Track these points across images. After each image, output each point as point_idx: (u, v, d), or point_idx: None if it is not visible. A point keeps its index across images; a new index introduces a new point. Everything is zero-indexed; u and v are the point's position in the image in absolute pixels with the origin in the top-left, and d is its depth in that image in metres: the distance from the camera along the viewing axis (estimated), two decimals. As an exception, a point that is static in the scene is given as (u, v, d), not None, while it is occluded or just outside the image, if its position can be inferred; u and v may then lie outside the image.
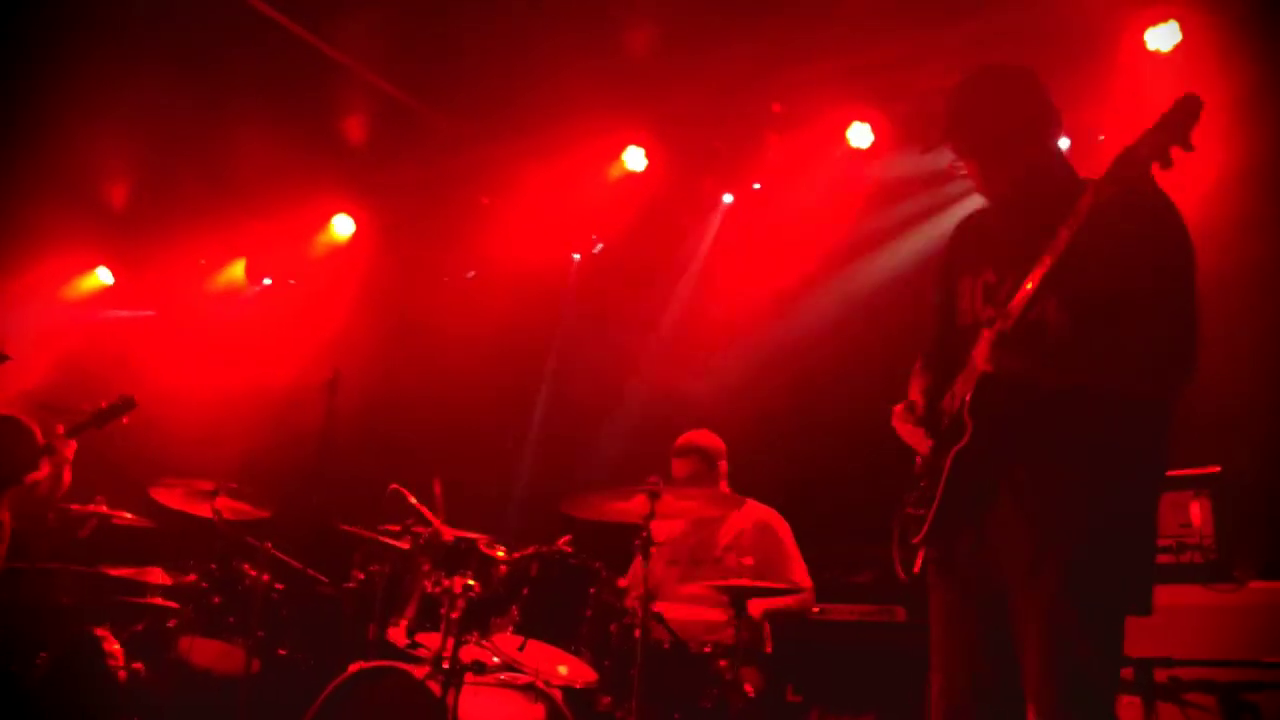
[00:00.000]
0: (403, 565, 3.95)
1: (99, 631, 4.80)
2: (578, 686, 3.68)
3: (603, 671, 3.56)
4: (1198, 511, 3.70)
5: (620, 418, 5.66)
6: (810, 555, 4.47)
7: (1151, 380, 2.32)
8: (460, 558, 3.69)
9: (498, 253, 6.54)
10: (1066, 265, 2.21)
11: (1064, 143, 4.73)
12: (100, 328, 7.28)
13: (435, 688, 3.39)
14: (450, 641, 3.47)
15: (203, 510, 4.68)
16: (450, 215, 6.56)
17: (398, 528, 4.03)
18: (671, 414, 4.89)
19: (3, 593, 4.97)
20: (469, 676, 3.50)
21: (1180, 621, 3.49)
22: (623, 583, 3.74)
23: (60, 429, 4.67)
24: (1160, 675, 3.43)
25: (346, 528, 4.34)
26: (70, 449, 4.70)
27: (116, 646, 4.76)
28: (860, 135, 5.53)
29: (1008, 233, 2.51)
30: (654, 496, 3.57)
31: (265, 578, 4.60)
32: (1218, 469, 3.76)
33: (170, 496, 4.74)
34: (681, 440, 4.58)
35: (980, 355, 2.32)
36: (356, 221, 6.87)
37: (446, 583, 3.62)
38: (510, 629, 3.55)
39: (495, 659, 3.69)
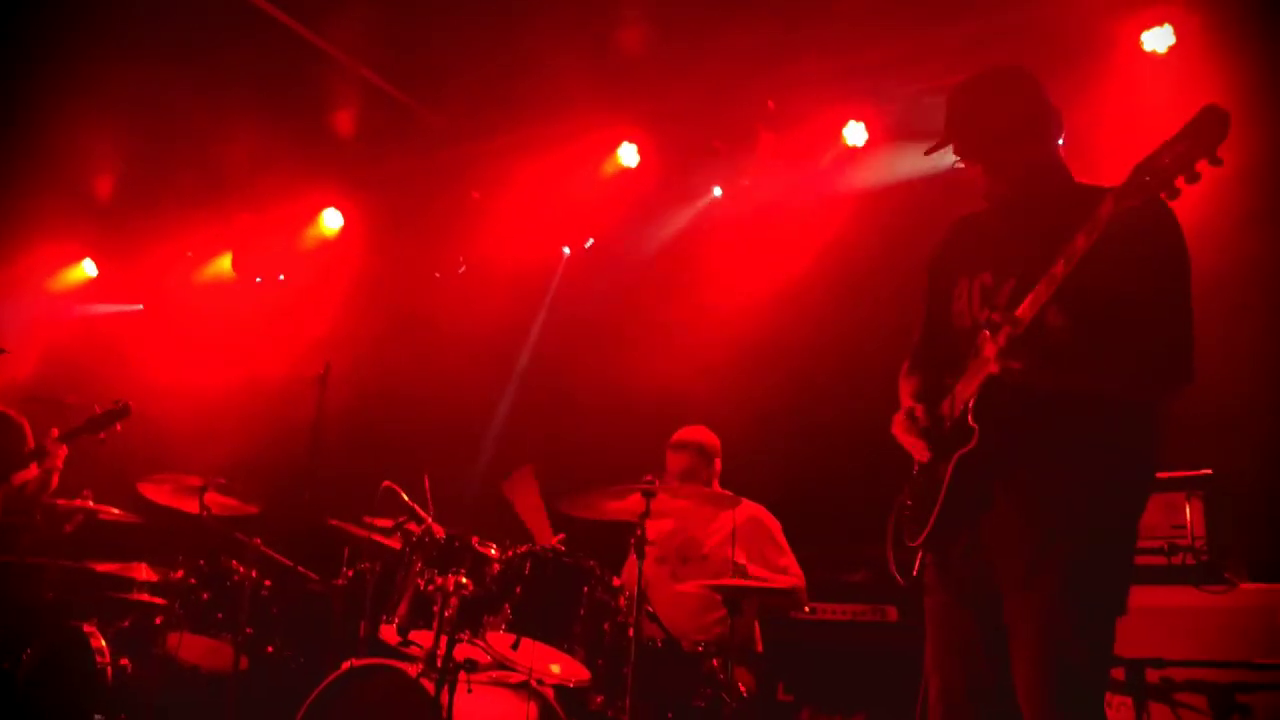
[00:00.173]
0: (394, 562, 3.93)
1: (85, 627, 4.77)
2: (571, 685, 3.67)
3: (596, 670, 3.55)
4: (1190, 513, 3.72)
5: (614, 415, 5.63)
6: (803, 554, 4.46)
7: (1150, 384, 2.34)
8: (453, 555, 3.68)
9: (489, 248, 6.52)
10: (1078, 271, 2.21)
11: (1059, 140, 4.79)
12: (88, 320, 7.22)
13: (429, 686, 3.38)
14: (444, 639, 3.45)
15: (191, 506, 4.66)
16: (441, 210, 6.53)
17: (389, 524, 4.01)
18: (666, 411, 4.87)
19: (-11, 588, 4.94)
20: (462, 675, 3.48)
21: (1172, 622, 3.52)
22: (617, 581, 3.73)
23: (55, 432, 4.64)
24: (1152, 676, 3.45)
25: (337, 523, 4.32)
26: (61, 454, 4.68)
27: (103, 642, 4.73)
28: (856, 134, 5.53)
29: (1007, 235, 2.51)
30: (649, 495, 3.56)
31: (254, 574, 4.58)
32: (1210, 471, 3.78)
33: (158, 492, 4.72)
34: (679, 435, 4.58)
35: (989, 355, 2.30)
36: (346, 216, 6.83)
37: (439, 580, 3.60)
38: (503, 627, 3.54)
39: (488, 657, 3.68)
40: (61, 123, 6.26)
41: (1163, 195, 2.10)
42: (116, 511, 5.02)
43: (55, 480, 4.84)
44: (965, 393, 2.41)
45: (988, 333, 2.32)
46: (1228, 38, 4.70)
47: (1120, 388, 2.33)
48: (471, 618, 3.55)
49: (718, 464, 4.59)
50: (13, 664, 4.69)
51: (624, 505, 3.67)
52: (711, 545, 4.40)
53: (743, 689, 3.69)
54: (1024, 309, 2.26)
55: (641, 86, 5.73)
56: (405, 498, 3.95)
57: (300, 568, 4.79)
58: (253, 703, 4.39)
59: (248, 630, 4.43)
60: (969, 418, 2.39)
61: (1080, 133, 4.71)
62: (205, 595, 4.67)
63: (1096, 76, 4.82)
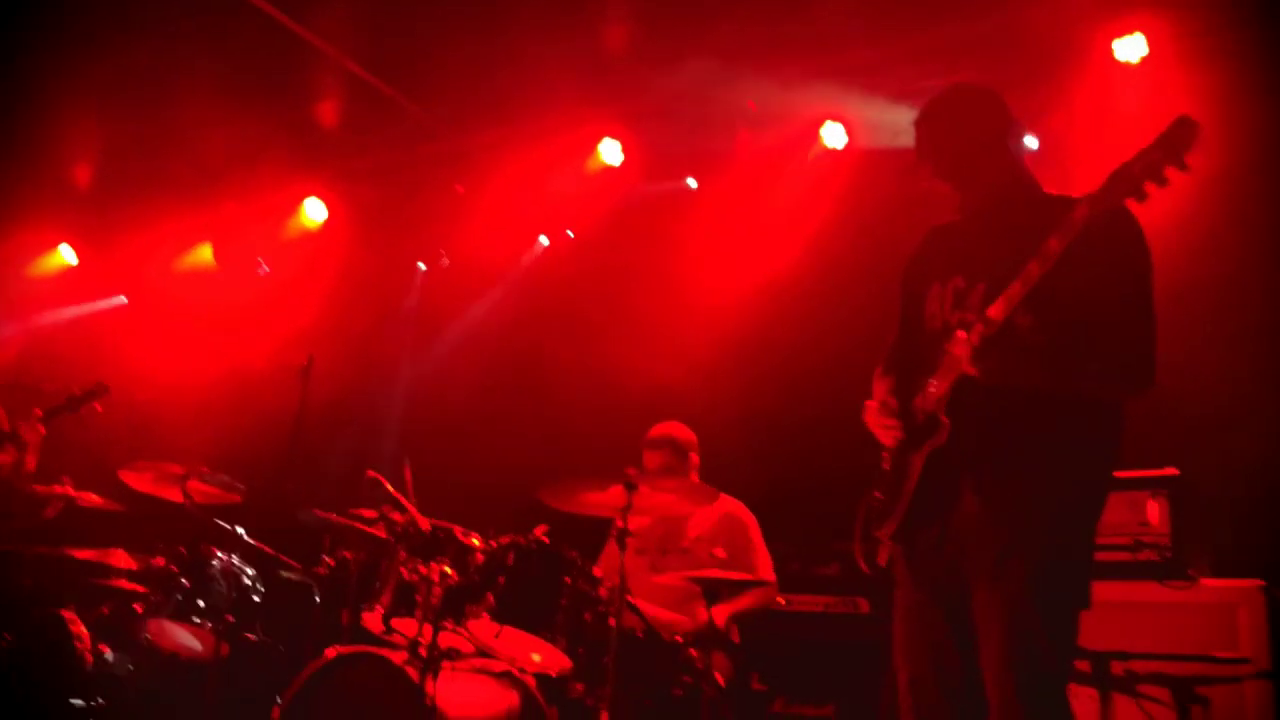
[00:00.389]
0: (378, 552, 3.96)
1: (65, 614, 4.78)
2: (552, 674, 3.73)
3: (577, 659, 3.61)
4: (1155, 511, 3.82)
5: (596, 408, 5.69)
6: (777, 547, 4.55)
7: (1114, 386, 2.43)
8: (437, 546, 3.72)
9: (472, 241, 6.54)
10: (1051, 274, 2.30)
11: (1033, 143, 4.89)
12: (69, 306, 7.17)
13: (413, 673, 3.43)
14: (428, 628, 3.50)
15: (173, 494, 4.66)
16: (424, 203, 6.55)
17: (373, 514, 4.05)
18: (647, 405, 4.93)
19: (-35, 576, 4.93)
20: (445, 663, 3.53)
21: (1136, 617, 3.62)
22: (597, 572, 3.79)
23: (39, 411, 4.63)
24: (1117, 668, 3.54)
25: (320, 513, 4.35)
26: (38, 434, 4.66)
27: (83, 629, 4.75)
28: (834, 135, 5.61)
29: (979, 242, 2.60)
30: (631, 488, 3.62)
31: (235, 562, 4.60)
32: (1176, 471, 3.89)
33: (140, 480, 4.72)
34: (654, 432, 4.64)
35: (961, 356, 2.40)
36: (329, 207, 6.83)
37: (423, 570, 3.65)
38: (486, 616, 3.60)
39: (470, 646, 3.73)
40: (41, 109, 6.23)
41: (1132, 201, 2.21)
42: (97, 499, 5.02)
43: (32, 462, 4.82)
44: (938, 389, 2.50)
45: (962, 332, 2.41)
46: (1198, 47, 4.81)
47: (1086, 389, 2.42)
48: (454, 607, 3.60)
49: (694, 458, 4.65)
50: (-9, 649, 4.69)
51: (605, 498, 3.73)
52: (691, 538, 4.48)
53: (720, 678, 3.76)
54: (996, 309, 2.36)
55: (624, 84, 5.77)
56: (389, 488, 3.98)
57: (282, 556, 4.81)
58: (233, 689, 4.42)
59: (228, 618, 4.45)
60: (941, 413, 2.47)
61: (1053, 140, 4.84)
62: (186, 583, 4.70)
63: (1070, 85, 4.91)
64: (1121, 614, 3.47)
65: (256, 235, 7.02)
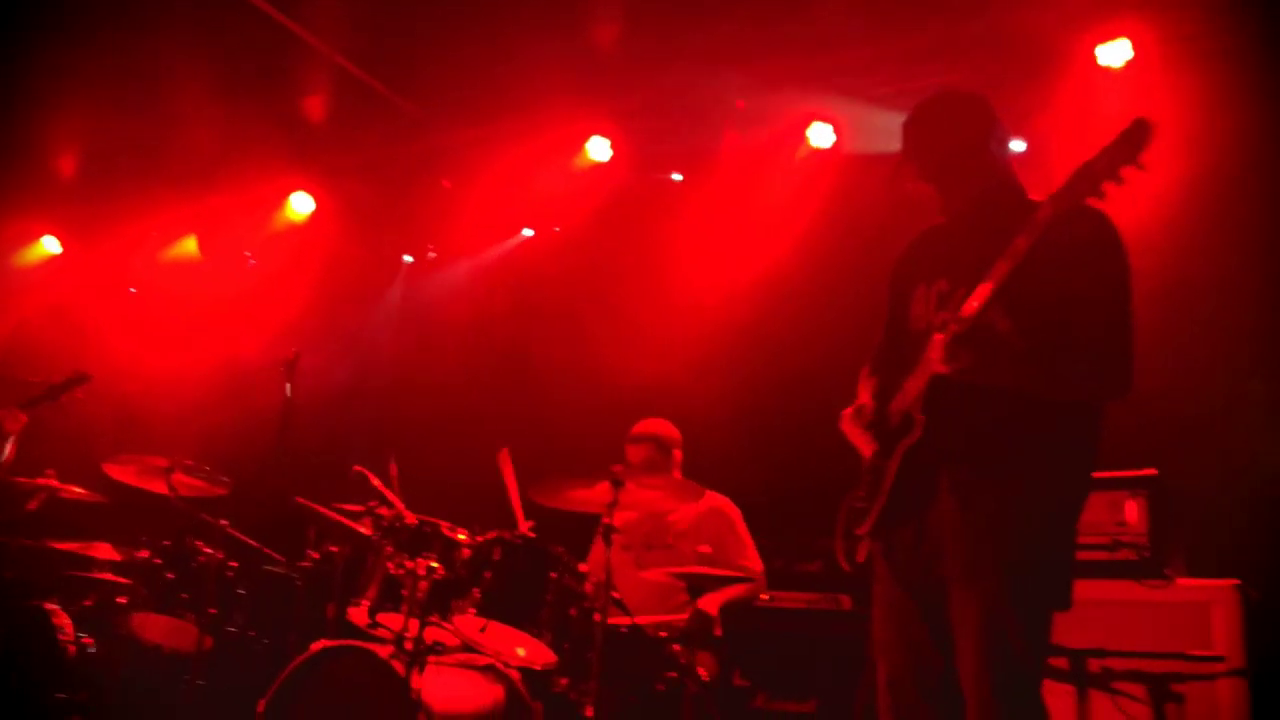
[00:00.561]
0: (363, 546, 3.98)
1: (48, 606, 4.78)
2: (536, 668, 3.75)
3: (562, 654, 3.64)
4: (1133, 511, 3.87)
5: (583, 404, 5.71)
6: (762, 543, 4.58)
7: (1089, 389, 2.46)
8: (424, 540, 3.74)
9: (460, 236, 6.55)
10: (1020, 273, 2.34)
11: (1019, 145, 4.93)
12: (54, 298, 7.14)
13: (398, 667, 3.45)
14: (414, 622, 3.52)
15: (158, 486, 4.67)
16: (412, 197, 6.55)
17: (359, 508, 4.06)
18: (633, 401, 4.96)
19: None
20: (430, 657, 3.56)
21: (1113, 615, 3.67)
22: (583, 568, 3.82)
23: (19, 402, 4.62)
24: (1093, 665, 3.59)
25: (304, 502, 4.35)
26: (19, 423, 4.65)
27: (66, 621, 4.75)
28: (821, 135, 5.64)
29: (963, 246, 2.63)
30: (617, 485, 3.65)
31: (219, 555, 4.61)
32: (1154, 472, 3.93)
33: (124, 472, 4.72)
34: (638, 428, 4.67)
35: (935, 356, 2.44)
36: (316, 200, 6.82)
37: (410, 564, 3.66)
38: (472, 611, 3.62)
39: (456, 640, 3.75)
40: (26, 100, 6.19)
41: (1092, 200, 2.26)
42: (80, 491, 5.02)
43: (12, 450, 4.81)
44: (914, 388, 2.54)
45: (938, 333, 2.45)
46: (1182, 51, 4.86)
47: (1061, 390, 2.45)
48: (440, 601, 3.63)
49: (677, 455, 4.69)
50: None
51: (592, 494, 3.75)
52: (676, 534, 4.51)
53: (703, 674, 3.80)
54: (968, 307, 2.39)
55: (613, 82, 5.79)
56: (376, 482, 4.00)
57: (266, 549, 4.82)
58: (217, 682, 4.43)
59: (212, 610, 4.46)
60: (916, 411, 2.51)
61: (1038, 143, 4.88)
62: (170, 575, 4.71)
63: (1055, 89, 4.94)
64: (1099, 612, 3.51)
65: (243, 228, 6.99)
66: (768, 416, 5.49)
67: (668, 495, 4.01)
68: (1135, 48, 4.89)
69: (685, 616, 4.00)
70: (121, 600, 4.69)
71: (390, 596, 3.73)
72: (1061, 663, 3.58)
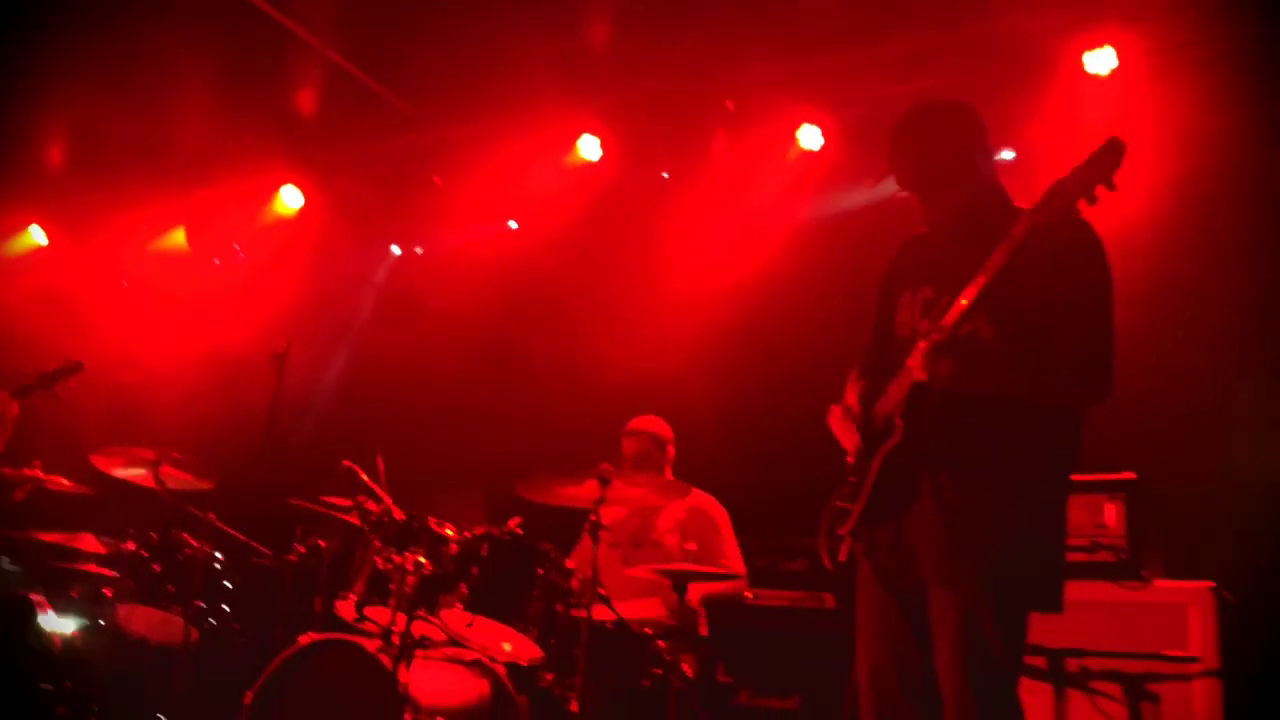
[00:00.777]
0: (351, 540, 4.00)
1: (33, 596, 4.77)
2: (522, 663, 3.78)
3: (548, 649, 3.67)
4: (1112, 514, 3.93)
5: (573, 401, 5.74)
6: (746, 542, 4.63)
7: (1070, 393, 2.51)
8: (412, 535, 3.76)
9: (450, 232, 6.57)
10: (999, 284, 2.39)
11: (1008, 154, 4.99)
12: (43, 290, 7.11)
13: (385, 661, 3.47)
14: (401, 617, 3.55)
15: (145, 479, 4.67)
16: (401, 193, 6.56)
17: (347, 502, 4.08)
18: (623, 398, 5.00)
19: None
20: (417, 651, 3.58)
21: (1091, 615, 3.71)
22: (570, 564, 3.85)
23: (4, 393, 4.61)
24: (1071, 665, 3.65)
25: (294, 500, 4.37)
26: (10, 413, 4.64)
27: (50, 611, 4.74)
28: (810, 137, 5.68)
29: (947, 254, 2.67)
30: (605, 482, 3.68)
31: (206, 548, 4.62)
32: (1133, 475, 3.99)
33: (111, 464, 4.72)
34: (634, 424, 4.75)
35: (915, 364, 2.48)
36: (306, 195, 6.82)
37: (397, 559, 3.69)
38: (459, 606, 3.65)
39: (442, 634, 3.78)
40: (13, 89, 6.17)
41: (1071, 213, 2.32)
42: (66, 482, 5.01)
43: (3, 439, 4.80)
44: (896, 394, 2.59)
45: (921, 340, 2.49)
46: (1167, 61, 4.92)
47: (1041, 396, 2.49)
48: (428, 596, 3.65)
49: (670, 451, 4.77)
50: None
51: (579, 491, 3.79)
52: (662, 531, 4.56)
53: (687, 670, 3.84)
54: (948, 318, 2.44)
55: (604, 81, 5.81)
56: (364, 477, 4.02)
57: (253, 543, 4.83)
58: (202, 674, 4.44)
59: (198, 603, 4.47)
60: (896, 415, 2.56)
61: (1023, 150, 4.94)
62: (157, 568, 4.72)
63: (1041, 95, 4.98)
64: (1077, 613, 3.52)
65: (232, 221, 6.99)
66: (754, 416, 5.53)
67: (654, 493, 4.05)
68: (1120, 56, 4.94)
69: (664, 611, 4.04)
70: (107, 592, 4.69)
71: (378, 591, 3.76)
72: (1039, 662, 3.63)
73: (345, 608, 3.85)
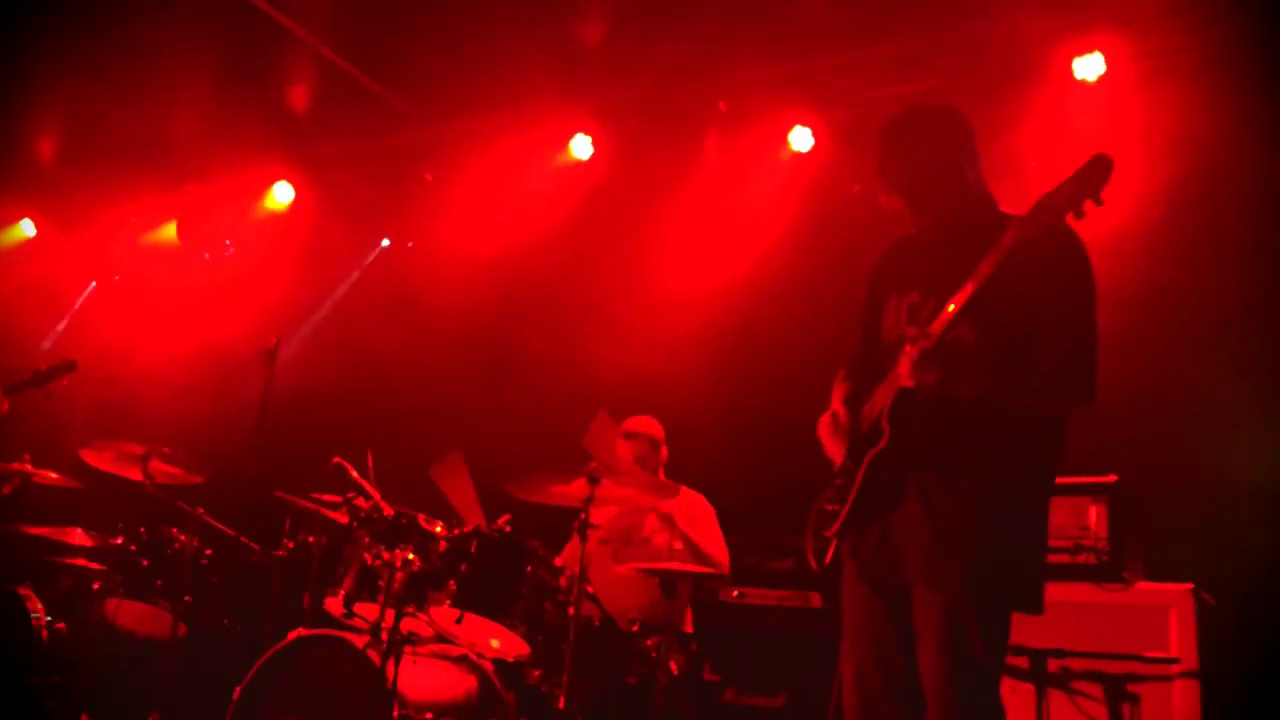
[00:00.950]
0: (340, 536, 4.02)
1: (21, 590, 4.78)
2: (510, 660, 3.81)
3: (535, 646, 3.70)
4: (1094, 516, 3.97)
5: (564, 399, 5.75)
6: (735, 540, 4.66)
7: (1054, 400, 2.54)
8: (401, 532, 3.79)
9: (441, 229, 6.58)
10: (985, 293, 2.42)
11: (995, 169, 5.02)
12: (33, 283, 7.10)
13: (374, 657, 3.49)
14: (390, 613, 3.57)
15: (134, 473, 4.67)
16: (393, 189, 6.57)
17: (337, 499, 4.10)
18: (615, 396, 5.01)
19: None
20: (405, 647, 3.60)
21: (1073, 616, 3.75)
22: (558, 561, 3.87)
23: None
24: (1053, 665, 3.69)
25: (283, 495, 4.38)
26: (2, 408, 4.64)
27: (39, 605, 4.75)
28: (801, 139, 5.72)
29: (933, 260, 2.70)
30: (594, 481, 3.71)
31: (195, 543, 4.63)
32: (1115, 478, 4.03)
33: (101, 458, 4.72)
34: (630, 424, 4.80)
35: (902, 370, 2.51)
36: (297, 190, 6.82)
37: (387, 556, 3.71)
38: (447, 603, 3.67)
39: (430, 630, 3.80)
40: (5, 81, 6.16)
41: (1058, 227, 2.34)
42: (55, 476, 5.01)
43: None
44: (883, 398, 2.62)
45: (909, 346, 2.52)
46: (1154, 66, 4.97)
47: (1025, 403, 2.53)
48: (416, 592, 3.67)
49: (664, 452, 4.84)
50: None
51: (569, 490, 3.81)
52: (651, 529, 4.59)
53: (674, 668, 3.87)
54: (935, 325, 2.47)
55: (598, 81, 5.83)
56: (354, 474, 4.04)
57: (242, 538, 4.84)
58: (190, 668, 4.46)
59: (187, 598, 4.48)
60: (884, 420, 2.59)
61: (1012, 154, 4.96)
62: (145, 562, 4.73)
63: (1030, 99, 5.04)
64: (1060, 614, 3.57)
65: (224, 215, 6.99)
66: (746, 415, 5.56)
67: (644, 492, 4.08)
68: (1109, 62, 4.99)
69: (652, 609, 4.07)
70: (96, 586, 4.70)
71: (366, 587, 3.78)
72: (1022, 662, 3.67)
73: (334, 604, 3.87)
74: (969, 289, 2.42)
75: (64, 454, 4.86)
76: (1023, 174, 4.73)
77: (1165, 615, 3.77)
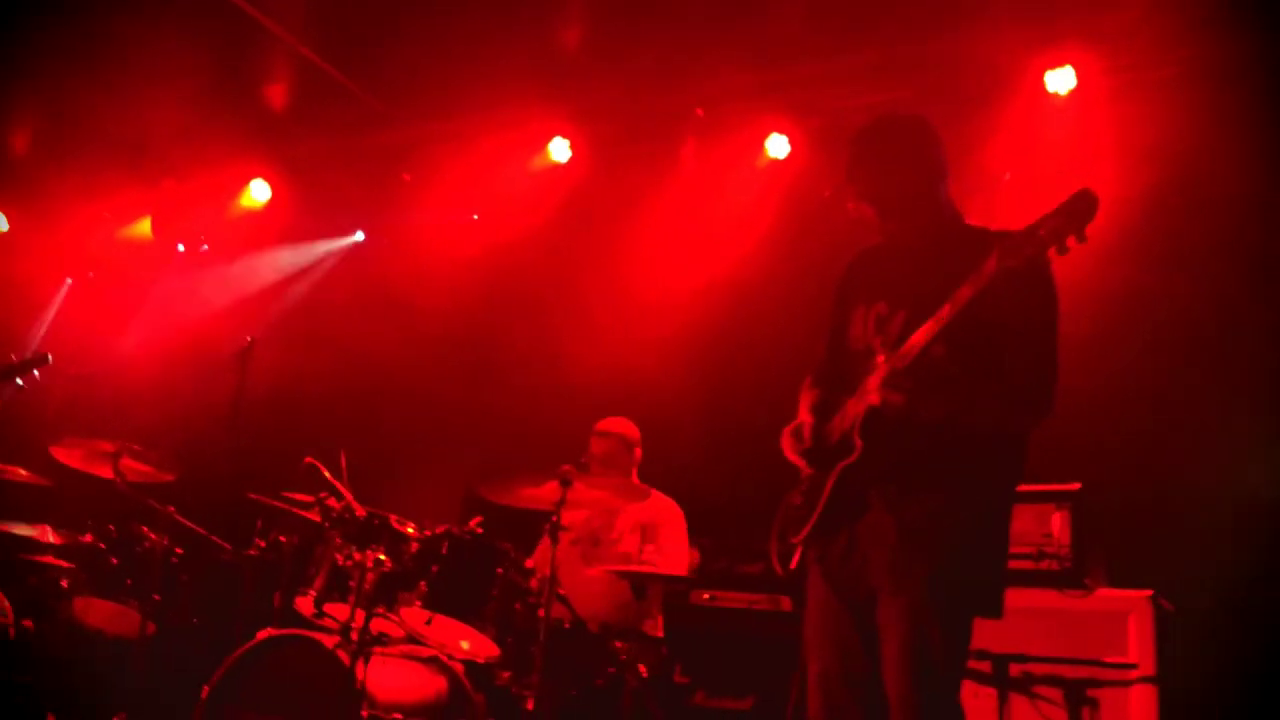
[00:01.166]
0: (312, 536, 4.02)
1: (-11, 589, 4.74)
2: (480, 661, 3.83)
3: (505, 647, 3.72)
4: (1058, 524, 4.04)
5: (538, 400, 5.78)
6: (706, 544, 4.70)
7: (1017, 418, 2.60)
8: (372, 533, 3.80)
9: (419, 229, 6.58)
10: (961, 317, 2.45)
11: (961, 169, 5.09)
12: (5, 277, 7.04)
13: (343, 657, 3.50)
14: (360, 613, 3.58)
15: (104, 471, 4.64)
16: (370, 189, 6.57)
17: (309, 499, 4.10)
18: (592, 398, 5.05)
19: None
20: (375, 648, 3.61)
21: (1035, 622, 3.81)
22: (529, 563, 3.90)
23: None
24: (1014, 669, 3.74)
25: (256, 497, 4.38)
26: None
27: (6, 603, 4.72)
28: (778, 146, 5.77)
29: (901, 270, 2.74)
30: (566, 484, 3.73)
31: (165, 541, 4.61)
32: (1078, 486, 4.10)
33: (71, 455, 4.69)
34: (603, 424, 4.81)
35: (874, 388, 2.56)
36: (274, 189, 6.80)
37: (358, 556, 3.72)
38: (418, 604, 3.68)
39: (401, 631, 3.81)
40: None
41: (1040, 260, 2.37)
42: (24, 473, 4.97)
43: None
44: (854, 411, 2.66)
45: (881, 359, 2.56)
46: (1125, 81, 5.05)
47: (991, 423, 2.58)
48: (387, 593, 3.69)
49: (638, 453, 4.84)
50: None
51: (541, 493, 3.83)
52: (622, 531, 4.62)
53: (643, 670, 3.90)
54: (908, 346, 2.51)
55: (576, 84, 5.86)
56: (326, 474, 4.04)
57: (213, 537, 4.83)
58: (159, 667, 4.44)
59: (156, 597, 4.47)
60: (855, 434, 2.63)
61: (982, 166, 5.03)
62: (115, 560, 4.70)
63: (1002, 112, 5.10)
64: (1022, 619, 3.63)
65: (200, 213, 6.96)
66: (720, 418, 5.59)
67: (615, 495, 4.10)
68: (1079, 76, 5.07)
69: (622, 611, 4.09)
70: (64, 584, 4.67)
71: (337, 587, 3.78)
72: (984, 666, 3.72)
73: (304, 603, 3.87)
74: (946, 313, 2.44)
75: (34, 450, 4.82)
76: (990, 187, 4.81)
77: (1125, 621, 3.84)
